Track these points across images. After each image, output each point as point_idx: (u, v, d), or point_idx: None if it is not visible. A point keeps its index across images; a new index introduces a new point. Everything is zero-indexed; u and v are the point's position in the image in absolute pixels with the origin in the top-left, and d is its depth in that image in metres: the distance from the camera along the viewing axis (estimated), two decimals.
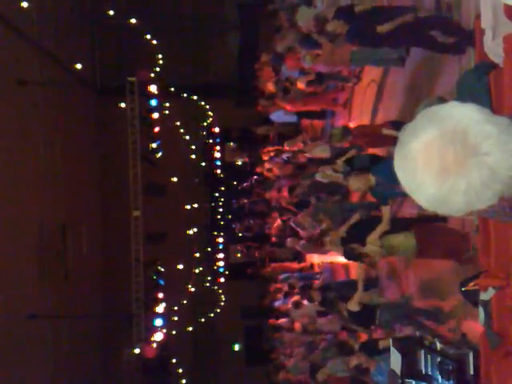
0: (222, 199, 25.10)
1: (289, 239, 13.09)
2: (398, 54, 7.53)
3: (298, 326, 12.46)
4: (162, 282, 19.05)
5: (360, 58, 7.72)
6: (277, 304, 14.87)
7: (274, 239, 18.55)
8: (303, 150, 10.94)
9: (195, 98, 21.66)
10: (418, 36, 6.11)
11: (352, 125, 9.97)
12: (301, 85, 10.59)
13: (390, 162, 1.21)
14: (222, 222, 25.19)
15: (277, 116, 13.30)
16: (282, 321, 14.04)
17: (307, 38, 8.65)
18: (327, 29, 7.22)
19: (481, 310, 3.79)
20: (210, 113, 22.89)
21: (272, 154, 15.32)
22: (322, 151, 9.28)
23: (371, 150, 8.36)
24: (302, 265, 16.10)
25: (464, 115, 1.12)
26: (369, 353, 7.14)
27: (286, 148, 13.03)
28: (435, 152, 1.10)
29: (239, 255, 25.04)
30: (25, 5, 13.64)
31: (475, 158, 1.08)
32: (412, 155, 1.13)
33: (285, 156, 13.88)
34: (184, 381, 21.21)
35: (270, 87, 13.30)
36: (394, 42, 6.42)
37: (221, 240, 24.82)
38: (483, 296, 3.77)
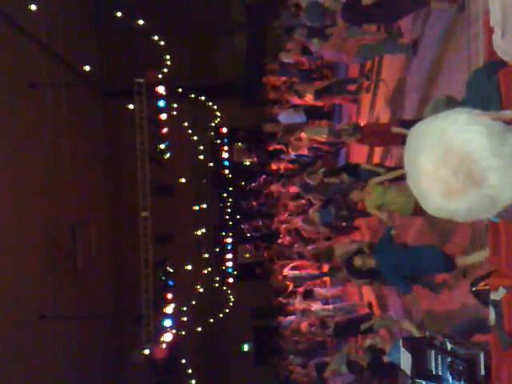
0: (230, 199, 25.11)
1: (296, 245, 13.08)
2: (406, 49, 7.55)
3: (304, 326, 12.46)
4: (171, 283, 19.08)
5: (367, 53, 7.72)
6: (283, 322, 14.86)
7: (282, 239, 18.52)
8: (303, 130, 10.96)
9: (203, 98, 21.69)
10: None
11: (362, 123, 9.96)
12: (309, 96, 10.64)
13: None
14: (230, 223, 25.20)
15: (284, 117, 13.29)
16: (291, 318, 14.02)
17: (314, 28, 8.73)
18: (325, 4, 7.51)
19: (491, 310, 3.77)
20: (217, 113, 22.92)
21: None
22: (319, 133, 9.43)
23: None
24: (310, 263, 16.05)
25: (472, 146, 1.12)
26: (377, 370, 7.09)
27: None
28: (440, 179, 1.13)
29: (247, 255, 25.03)
30: (33, 7, 13.71)
31: (478, 190, 1.12)
32: (418, 170, 1.16)
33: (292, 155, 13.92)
34: (193, 381, 21.24)
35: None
36: (381, 16, 6.72)
37: (229, 240, 24.83)
38: (494, 296, 3.74)
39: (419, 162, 1.15)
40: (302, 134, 10.98)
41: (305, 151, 13.15)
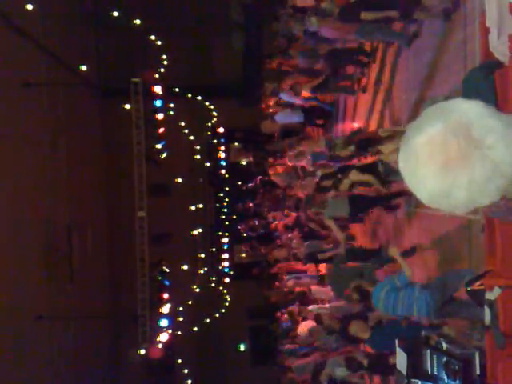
0: (227, 199, 25.11)
1: (294, 241, 13.06)
2: (402, 38, 7.57)
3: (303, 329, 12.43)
4: (167, 283, 19.07)
5: (365, 31, 7.71)
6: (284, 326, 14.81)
7: (278, 239, 18.53)
8: (300, 146, 10.94)
9: (200, 98, 21.67)
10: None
11: (355, 126, 9.96)
12: (306, 93, 10.63)
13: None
14: (226, 222, 25.20)
15: (281, 117, 13.25)
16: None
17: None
18: (322, 6, 7.49)
19: (487, 309, 3.78)
20: (214, 113, 22.91)
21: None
22: (318, 145, 9.42)
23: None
24: (307, 266, 16.04)
25: (468, 110, 1.12)
26: (378, 369, 7.06)
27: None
28: (438, 146, 1.10)
29: (244, 255, 25.05)
30: (30, 7, 13.69)
31: (478, 152, 1.08)
32: (415, 149, 1.12)
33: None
34: (189, 381, 21.22)
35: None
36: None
37: (225, 240, 24.83)
38: (489, 296, 3.76)
39: (415, 143, 1.12)
40: (302, 149, 10.92)
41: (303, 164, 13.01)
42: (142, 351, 16.85)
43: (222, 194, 25.02)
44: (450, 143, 1.09)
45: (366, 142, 7.66)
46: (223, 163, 24.49)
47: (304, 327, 10.54)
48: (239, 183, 24.89)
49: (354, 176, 7.04)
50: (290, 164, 13.35)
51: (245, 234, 24.41)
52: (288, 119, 13.16)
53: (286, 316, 14.36)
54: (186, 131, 21.83)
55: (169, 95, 18.67)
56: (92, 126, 19.86)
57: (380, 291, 5.48)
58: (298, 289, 13.13)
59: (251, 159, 24.28)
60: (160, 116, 17.94)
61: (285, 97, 12.30)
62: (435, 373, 4.48)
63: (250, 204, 24.12)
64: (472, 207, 1.14)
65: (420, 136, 1.13)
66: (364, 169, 7.21)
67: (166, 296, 18.31)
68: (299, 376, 11.65)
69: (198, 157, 23.29)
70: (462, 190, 1.10)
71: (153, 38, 19.13)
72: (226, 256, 24.54)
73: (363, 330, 6.43)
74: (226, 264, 24.44)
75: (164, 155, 18.76)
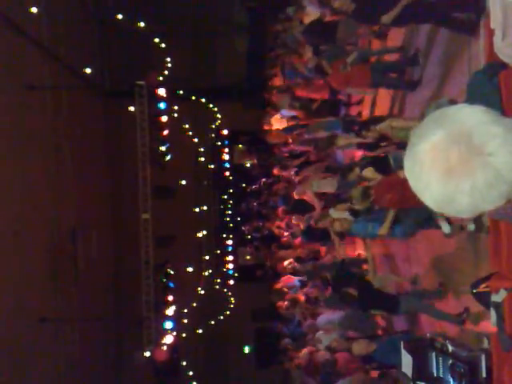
0: (231, 201, 25.12)
1: (294, 216, 12.87)
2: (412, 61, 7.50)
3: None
4: (171, 285, 19.07)
5: (380, 75, 7.64)
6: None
7: (282, 240, 18.52)
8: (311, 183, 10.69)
9: (204, 100, 21.70)
10: (426, 12, 6.06)
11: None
12: (308, 54, 10.51)
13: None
14: (231, 225, 25.20)
15: (285, 113, 13.21)
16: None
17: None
18: (334, 5, 7.19)
19: (493, 312, 3.77)
20: (218, 115, 22.94)
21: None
22: (329, 186, 9.14)
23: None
24: None
25: (470, 116, 1.12)
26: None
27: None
28: (440, 152, 1.10)
29: (248, 257, 25.03)
30: (34, 10, 13.74)
31: (480, 159, 1.08)
32: (419, 156, 1.14)
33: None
34: (194, 383, 21.21)
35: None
36: (400, 21, 6.32)
37: (230, 242, 24.83)
38: (495, 298, 3.75)
39: (419, 150, 1.13)
40: (308, 193, 10.72)
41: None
42: (147, 353, 16.86)
43: (226, 196, 25.02)
44: (452, 150, 1.10)
45: (369, 120, 7.57)
46: (227, 165, 24.50)
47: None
48: (243, 185, 24.89)
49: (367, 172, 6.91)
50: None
51: (249, 236, 24.39)
52: (290, 114, 13.10)
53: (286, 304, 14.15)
54: (190, 133, 21.86)
55: (173, 98, 18.70)
56: (96, 128, 19.90)
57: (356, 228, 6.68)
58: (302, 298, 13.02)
59: (255, 161, 24.28)
60: (164, 118, 17.97)
61: (285, 112, 12.35)
62: (441, 375, 4.47)
63: (254, 205, 24.12)
64: (476, 212, 1.14)
65: (423, 143, 1.14)
66: (373, 163, 6.88)
67: (170, 298, 18.31)
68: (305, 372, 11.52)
69: (202, 159, 23.31)
70: (465, 196, 1.10)
71: (157, 40, 19.17)
72: (230, 258, 24.54)
73: (367, 347, 6.47)
74: (230, 266, 24.44)
75: (168, 157, 18.79)
